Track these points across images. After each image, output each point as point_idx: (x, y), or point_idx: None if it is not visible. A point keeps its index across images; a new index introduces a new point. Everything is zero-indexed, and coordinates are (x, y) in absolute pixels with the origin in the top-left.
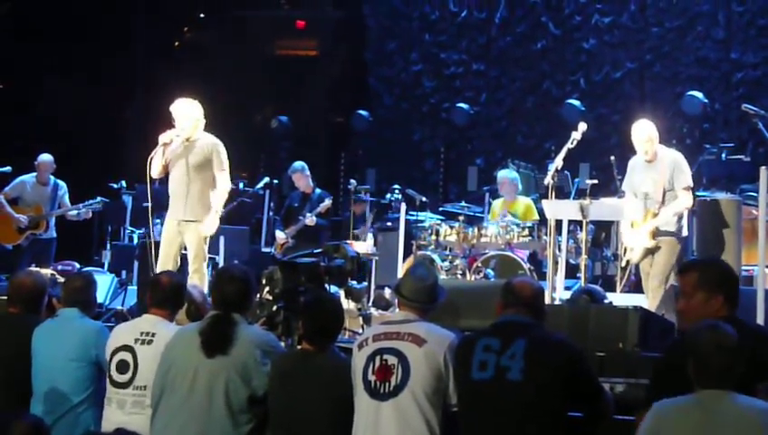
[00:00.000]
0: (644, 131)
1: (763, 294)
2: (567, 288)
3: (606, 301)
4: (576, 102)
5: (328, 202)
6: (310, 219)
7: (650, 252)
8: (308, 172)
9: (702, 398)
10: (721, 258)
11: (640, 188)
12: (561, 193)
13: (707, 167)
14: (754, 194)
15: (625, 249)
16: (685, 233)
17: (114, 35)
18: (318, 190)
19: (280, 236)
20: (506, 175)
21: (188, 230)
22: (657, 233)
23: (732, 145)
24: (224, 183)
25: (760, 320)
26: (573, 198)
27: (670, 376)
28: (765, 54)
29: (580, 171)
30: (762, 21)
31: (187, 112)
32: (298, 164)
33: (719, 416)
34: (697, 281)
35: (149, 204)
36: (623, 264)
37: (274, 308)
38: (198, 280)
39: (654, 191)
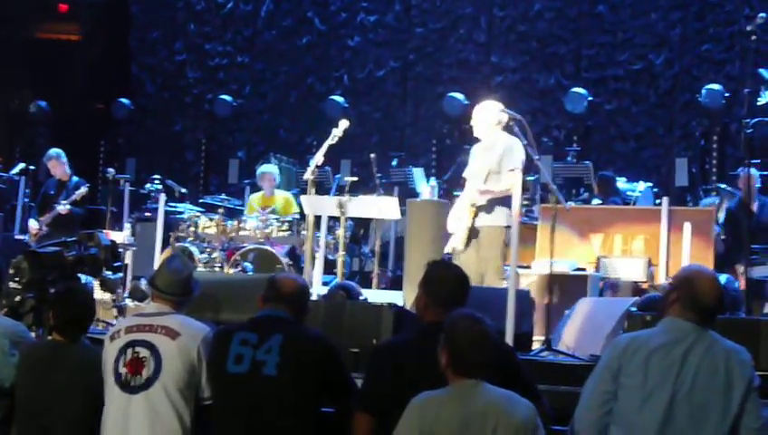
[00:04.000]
0: (474, 111)
1: (513, 293)
2: (325, 284)
3: (362, 297)
4: (339, 99)
5: (83, 190)
6: (63, 208)
7: (472, 242)
8: (64, 159)
9: (458, 390)
10: (441, 261)
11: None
12: (322, 189)
13: (465, 167)
14: None
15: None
16: (507, 223)
17: None
18: (75, 178)
19: (33, 224)
20: (267, 169)
21: None
22: (477, 214)
23: None
24: None
25: (510, 317)
26: (334, 195)
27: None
28: (524, 59)
29: (342, 168)
30: (522, 27)
31: None
32: (54, 151)
33: (476, 407)
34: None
35: None
36: (449, 250)
37: (18, 298)
38: None
39: (477, 174)
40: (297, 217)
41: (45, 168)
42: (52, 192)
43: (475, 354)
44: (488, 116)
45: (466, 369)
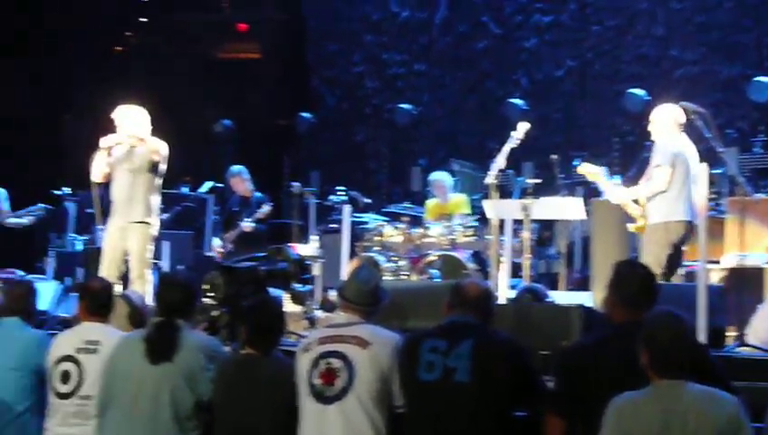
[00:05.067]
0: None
1: (704, 289)
2: (512, 287)
3: (549, 299)
4: (518, 101)
5: (267, 208)
6: (247, 225)
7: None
8: (246, 176)
9: (659, 390)
10: (628, 261)
11: None
12: (505, 192)
13: (649, 164)
14: None
15: None
16: (666, 218)
17: (54, 41)
18: (257, 194)
19: (216, 243)
20: (435, 177)
21: (131, 235)
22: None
23: None
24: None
25: (702, 314)
26: (517, 198)
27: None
28: (703, 51)
29: (524, 170)
30: (699, 17)
31: (131, 118)
32: (236, 168)
33: (678, 407)
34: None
35: (95, 209)
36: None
37: (216, 313)
38: (140, 287)
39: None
40: (471, 219)
41: (228, 185)
42: (235, 209)
43: (676, 353)
44: (659, 117)
45: (668, 368)
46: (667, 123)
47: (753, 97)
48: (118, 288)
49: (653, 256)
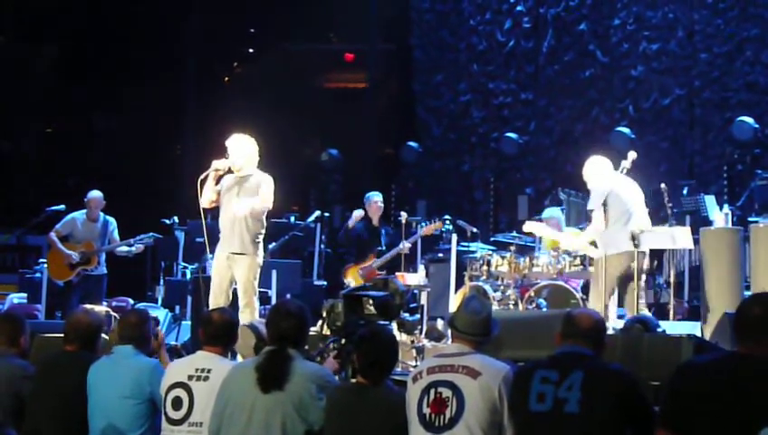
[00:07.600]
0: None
1: None
2: (620, 317)
3: (659, 329)
4: (625, 130)
5: (433, 224)
6: (406, 247)
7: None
8: (382, 204)
9: None
10: (753, 295)
11: None
12: None
13: (759, 192)
14: None
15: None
16: (608, 252)
17: (163, 72)
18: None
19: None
20: (550, 215)
21: (238, 264)
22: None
23: None
24: (265, 200)
25: None
26: None
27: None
28: None
29: None
30: None
31: (242, 147)
32: (377, 193)
33: None
34: None
35: (204, 238)
36: None
37: (343, 341)
38: (249, 314)
39: None
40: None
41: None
42: (366, 237)
43: None
44: (587, 169)
45: None
46: (597, 172)
47: None
48: None
49: (597, 290)
